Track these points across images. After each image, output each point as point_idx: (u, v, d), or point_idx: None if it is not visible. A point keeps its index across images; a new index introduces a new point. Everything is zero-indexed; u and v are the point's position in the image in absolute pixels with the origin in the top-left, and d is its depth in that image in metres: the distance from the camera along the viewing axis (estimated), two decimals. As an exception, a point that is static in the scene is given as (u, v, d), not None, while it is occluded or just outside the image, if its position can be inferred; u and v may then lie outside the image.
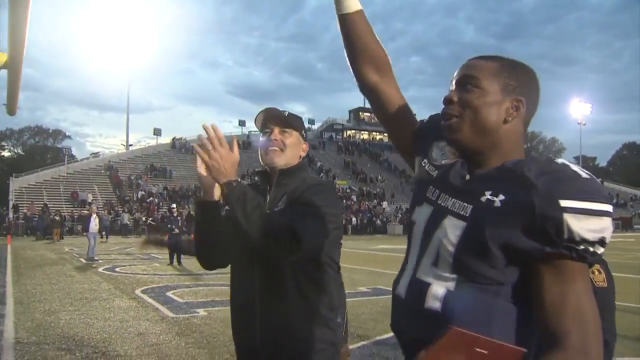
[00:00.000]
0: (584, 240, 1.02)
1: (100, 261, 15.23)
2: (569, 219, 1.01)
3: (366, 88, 1.49)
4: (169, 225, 14.95)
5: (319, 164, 52.74)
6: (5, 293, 9.41)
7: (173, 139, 53.91)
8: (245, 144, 56.11)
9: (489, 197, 1.10)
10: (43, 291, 9.63)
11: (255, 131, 62.02)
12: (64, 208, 35.66)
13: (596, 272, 2.05)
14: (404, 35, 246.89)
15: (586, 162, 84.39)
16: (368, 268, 13.47)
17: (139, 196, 39.48)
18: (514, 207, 1.06)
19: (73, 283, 10.80)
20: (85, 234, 16.37)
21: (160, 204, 38.64)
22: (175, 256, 14.33)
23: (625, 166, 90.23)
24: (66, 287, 10.14)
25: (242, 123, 62.42)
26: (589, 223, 1.01)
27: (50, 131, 78.70)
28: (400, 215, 43.42)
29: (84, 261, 15.63)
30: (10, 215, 33.73)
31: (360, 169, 55.91)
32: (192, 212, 35.72)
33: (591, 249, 1.03)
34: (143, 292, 9.53)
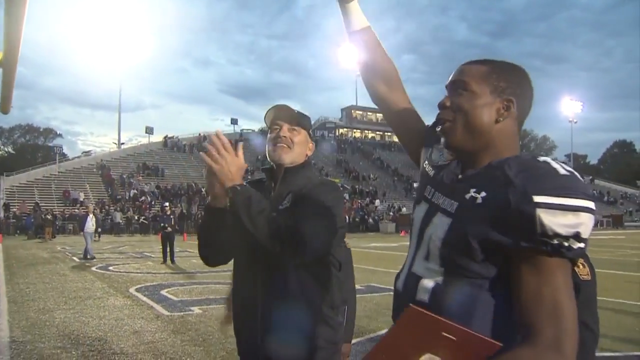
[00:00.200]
0: (557, 235, 1.04)
1: (94, 260, 15.18)
2: (541, 214, 1.04)
3: (376, 98, 1.59)
4: (162, 224, 14.97)
5: (311, 162, 52.68)
6: (-2, 292, 9.39)
7: (165, 137, 53.69)
8: (238, 142, 55.94)
9: (472, 194, 1.15)
10: (37, 290, 9.61)
11: (247, 129, 61.78)
12: (56, 207, 35.44)
13: (581, 266, 2.12)
14: (397, 33, 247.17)
15: (577, 160, 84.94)
16: (361, 266, 13.51)
17: (131, 195, 39.32)
18: (493, 204, 1.11)
19: (67, 282, 10.79)
20: (81, 233, 16.23)
21: (153, 202, 38.53)
22: (168, 255, 14.33)
23: (616, 164, 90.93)
24: (60, 286, 10.13)
25: (234, 121, 62.25)
26: (562, 218, 1.04)
27: (41, 130, 78.49)
28: (392, 214, 43.50)
29: (77, 260, 15.58)
30: (1, 214, 33.52)
31: (352, 167, 55.93)
32: (184, 211, 35.69)
33: (566, 243, 1.05)
34: (137, 290, 9.53)
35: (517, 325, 1.07)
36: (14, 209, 34.22)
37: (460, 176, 1.25)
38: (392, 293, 1.37)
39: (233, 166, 1.67)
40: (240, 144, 1.73)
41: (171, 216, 15.46)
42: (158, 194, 40.38)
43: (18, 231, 32.18)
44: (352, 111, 73.64)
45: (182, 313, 7.42)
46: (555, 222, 1.03)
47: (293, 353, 1.85)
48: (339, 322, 1.98)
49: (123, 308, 7.83)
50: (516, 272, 1.09)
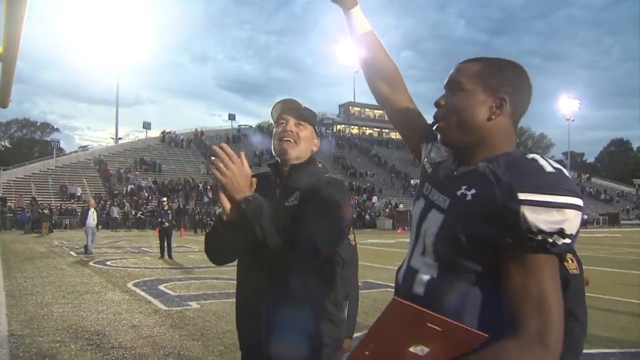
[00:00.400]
0: (541, 232, 1.06)
1: (92, 255, 15.19)
2: (525, 211, 1.06)
3: (380, 98, 1.64)
4: (159, 219, 14.98)
5: (316, 158, 52.58)
6: (-4, 286, 9.41)
7: (163, 132, 53.65)
8: (235, 137, 56.01)
9: (463, 191, 1.18)
10: (35, 284, 9.63)
11: (244, 125, 61.52)
12: (53, 201, 35.40)
13: (570, 261, 2.18)
14: (395, 30, 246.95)
15: (574, 158, 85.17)
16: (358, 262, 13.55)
17: (129, 190, 39.31)
18: (481, 201, 1.13)
19: (64, 276, 10.80)
20: (83, 227, 16.16)
21: (150, 197, 38.53)
22: (166, 250, 14.35)
23: (613, 162, 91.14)
24: (58, 281, 10.15)
25: (232, 117, 62.06)
26: (546, 215, 1.06)
27: (38, 124, 78.24)
28: (389, 210, 43.55)
29: (74, 255, 15.60)
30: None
31: (350, 164, 55.96)
32: (181, 206, 35.67)
33: (550, 239, 1.07)
34: (135, 285, 9.56)
35: (505, 318, 1.09)
36: (10, 204, 34.16)
37: (455, 173, 1.27)
38: (389, 289, 1.40)
39: (241, 177, 1.66)
40: (242, 154, 1.72)
41: (169, 211, 15.47)
42: (155, 189, 40.36)
43: (15, 226, 32.14)
44: (350, 107, 73.61)
45: (180, 308, 7.45)
46: (539, 219, 1.05)
47: (297, 351, 1.85)
48: (342, 318, 1.99)
49: (121, 302, 7.86)
50: (504, 267, 1.12)
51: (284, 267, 1.83)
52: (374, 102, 1.71)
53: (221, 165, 1.63)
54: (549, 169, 1.10)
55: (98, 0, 60.60)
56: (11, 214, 33.29)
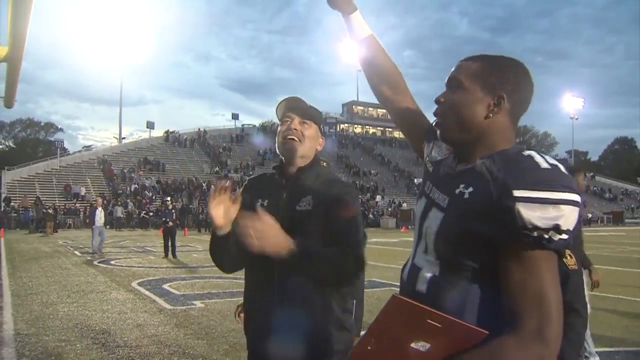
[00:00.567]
0: (537, 228, 1.07)
1: (95, 254, 15.25)
2: (520, 208, 1.07)
3: (382, 100, 1.67)
4: (164, 218, 15.01)
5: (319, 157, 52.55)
6: (1, 286, 9.45)
7: (166, 132, 53.71)
8: (239, 137, 56.06)
9: (461, 189, 1.20)
10: (40, 284, 9.68)
11: (247, 124, 61.46)
12: (57, 201, 35.51)
13: (568, 257, 2.21)
14: (398, 29, 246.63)
15: (578, 156, 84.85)
16: (362, 261, 13.56)
17: (132, 189, 39.40)
18: (478, 199, 1.14)
19: (69, 276, 10.85)
20: (93, 227, 16.06)
21: (154, 197, 38.60)
22: (170, 249, 14.38)
23: (617, 161, 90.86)
24: (62, 280, 10.19)
25: (235, 116, 62.13)
26: (541, 211, 1.06)
27: (42, 124, 78.45)
28: (392, 209, 43.50)
29: (78, 254, 15.67)
30: (2, 208, 33.59)
31: (353, 163, 55.94)
32: (185, 206, 35.69)
33: (546, 235, 1.08)
34: (139, 284, 9.59)
35: (504, 315, 1.10)
36: (14, 203, 34.26)
37: (454, 171, 1.29)
38: (393, 288, 1.42)
39: (275, 233, 1.61)
40: (240, 193, 1.79)
41: (172, 211, 15.51)
42: (159, 188, 40.44)
43: (19, 226, 32.23)
44: (353, 107, 73.63)
45: (184, 307, 7.47)
46: (534, 215, 1.06)
47: (309, 358, 1.84)
48: (352, 322, 1.98)
49: (126, 302, 7.89)
50: (502, 264, 1.12)
51: (294, 273, 1.80)
52: (377, 101, 1.73)
53: (251, 232, 1.55)
54: (544, 165, 1.11)
55: (101, 0, 60.71)
56: (15, 214, 33.40)
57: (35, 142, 75.45)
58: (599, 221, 48.74)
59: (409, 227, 34.08)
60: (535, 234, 1.07)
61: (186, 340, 5.63)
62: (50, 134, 77.86)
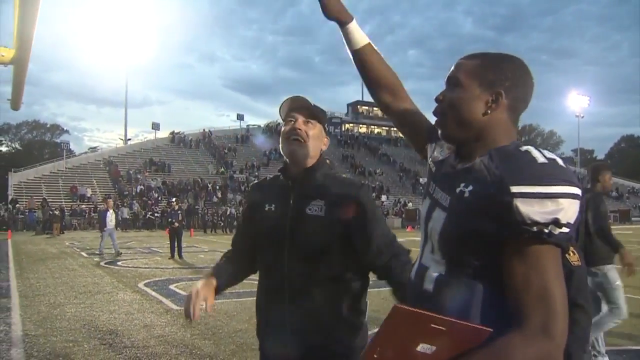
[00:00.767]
0: (536, 223, 1.07)
1: (102, 255, 15.31)
2: (518, 203, 1.07)
3: (383, 106, 1.69)
4: (169, 219, 15.05)
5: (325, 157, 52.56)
6: (9, 287, 9.51)
7: (172, 133, 53.86)
8: (244, 138, 56.13)
9: (462, 188, 1.20)
10: (47, 285, 9.73)
11: (253, 125, 61.49)
12: (63, 203, 35.66)
13: (571, 254, 2.21)
14: (402, 28, 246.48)
15: (584, 154, 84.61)
16: (368, 261, 13.54)
17: (138, 190, 39.53)
18: (478, 197, 1.15)
19: (76, 277, 10.90)
20: (104, 229, 15.93)
21: (159, 198, 38.72)
22: (176, 250, 14.42)
23: (623, 159, 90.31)
24: (69, 281, 10.24)
25: (240, 117, 62.13)
26: (539, 206, 1.06)
27: (48, 126, 78.68)
28: (398, 209, 43.45)
29: (85, 255, 15.74)
30: (9, 209, 33.76)
31: (358, 163, 55.93)
32: (191, 206, 35.78)
33: (546, 230, 1.08)
34: (146, 285, 9.63)
35: (510, 312, 1.10)
36: (20, 205, 34.43)
37: (456, 169, 1.29)
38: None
39: None
40: (210, 306, 1.84)
41: (178, 212, 15.55)
42: (165, 189, 40.57)
43: (25, 227, 32.38)
44: (358, 106, 73.49)
45: (191, 307, 7.46)
46: (533, 210, 1.06)
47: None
48: (365, 322, 1.97)
49: (133, 302, 7.92)
50: (506, 261, 1.12)
51: (310, 280, 1.80)
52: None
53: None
54: (541, 159, 1.11)
55: (106, 2, 60.96)
56: (22, 216, 33.57)
57: (42, 144, 75.71)
58: (605, 220, 48.38)
59: (415, 226, 34.02)
60: (535, 228, 1.07)
61: (193, 340, 5.65)
62: (56, 135, 78.05)
